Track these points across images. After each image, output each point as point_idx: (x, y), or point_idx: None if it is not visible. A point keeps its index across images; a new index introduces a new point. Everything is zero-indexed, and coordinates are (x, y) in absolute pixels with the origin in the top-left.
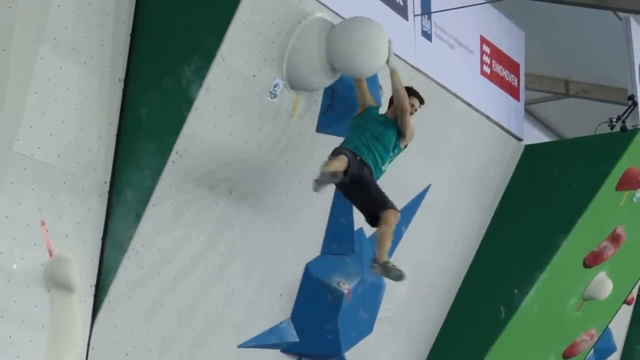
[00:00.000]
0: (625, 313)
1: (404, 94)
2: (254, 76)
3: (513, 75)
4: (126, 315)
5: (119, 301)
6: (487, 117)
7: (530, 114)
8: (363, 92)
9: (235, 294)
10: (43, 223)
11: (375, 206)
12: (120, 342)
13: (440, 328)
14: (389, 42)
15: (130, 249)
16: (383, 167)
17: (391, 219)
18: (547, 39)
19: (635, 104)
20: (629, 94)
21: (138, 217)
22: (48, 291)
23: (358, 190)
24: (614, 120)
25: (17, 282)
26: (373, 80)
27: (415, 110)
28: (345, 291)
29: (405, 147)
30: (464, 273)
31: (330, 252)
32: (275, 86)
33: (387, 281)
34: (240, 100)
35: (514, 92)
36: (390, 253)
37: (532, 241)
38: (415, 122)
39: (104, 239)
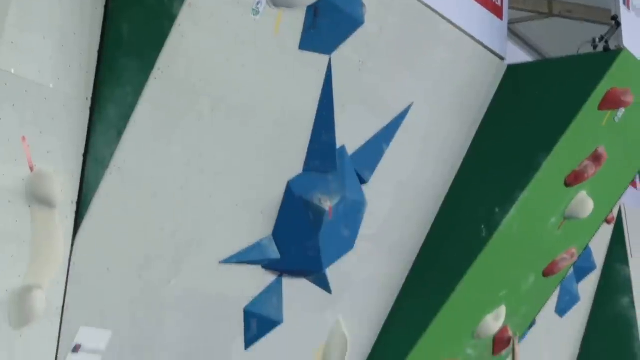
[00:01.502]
0: (605, 232)
1: None
2: None
3: None
4: (107, 231)
5: (100, 217)
6: (470, 36)
7: (514, 34)
8: None
9: (217, 210)
10: (24, 139)
11: None
12: (102, 257)
13: (422, 246)
14: None
15: (112, 165)
16: None
17: None
18: None
19: (618, 24)
20: (612, 14)
21: (119, 134)
22: (29, 207)
23: None
24: (597, 40)
25: None
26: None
27: None
28: (327, 208)
29: None
30: (445, 192)
31: (312, 169)
32: (258, 3)
33: (369, 198)
34: (223, 17)
35: (497, 10)
36: (372, 171)
37: (513, 160)
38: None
39: (85, 155)
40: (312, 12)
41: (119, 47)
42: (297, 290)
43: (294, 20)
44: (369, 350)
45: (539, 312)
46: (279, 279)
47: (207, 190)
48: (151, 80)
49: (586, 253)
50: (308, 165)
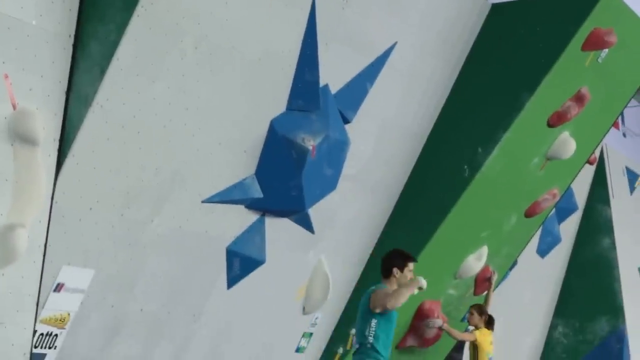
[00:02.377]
0: (587, 173)
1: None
2: None
3: None
4: (90, 170)
5: (82, 155)
6: None
7: None
8: None
9: (200, 149)
10: (6, 76)
11: None
12: (84, 196)
13: (404, 186)
14: None
15: (95, 103)
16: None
17: None
18: None
19: None
20: None
21: (102, 71)
22: (11, 145)
23: None
24: None
25: None
26: None
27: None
28: (310, 148)
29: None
30: (429, 131)
31: (296, 108)
32: None
33: (352, 138)
34: None
35: None
36: (355, 111)
37: (496, 100)
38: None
39: (68, 92)
40: None
41: None
42: (279, 230)
43: None
44: (351, 289)
45: (521, 252)
46: (262, 218)
47: (190, 128)
48: (134, 18)
49: (568, 194)
50: (291, 104)
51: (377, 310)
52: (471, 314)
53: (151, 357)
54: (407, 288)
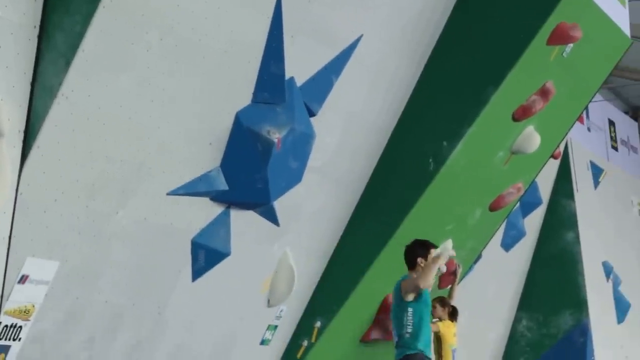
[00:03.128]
0: (552, 167)
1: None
2: None
3: None
4: (55, 161)
5: (47, 147)
6: None
7: None
8: None
9: (165, 141)
10: None
11: None
12: (49, 188)
13: (369, 179)
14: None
15: (60, 95)
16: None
17: None
18: None
19: None
20: None
21: (68, 63)
22: None
23: None
24: None
25: None
26: None
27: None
28: (275, 140)
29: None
30: (394, 125)
31: (261, 100)
32: None
33: (317, 130)
34: None
35: None
36: (321, 104)
37: (461, 94)
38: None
39: (33, 84)
40: None
41: None
42: (245, 222)
43: None
44: (316, 282)
45: (485, 246)
46: (227, 210)
47: (156, 120)
48: (100, 9)
49: (532, 188)
50: (257, 97)
51: (410, 298)
52: (434, 307)
53: (115, 349)
54: (433, 263)
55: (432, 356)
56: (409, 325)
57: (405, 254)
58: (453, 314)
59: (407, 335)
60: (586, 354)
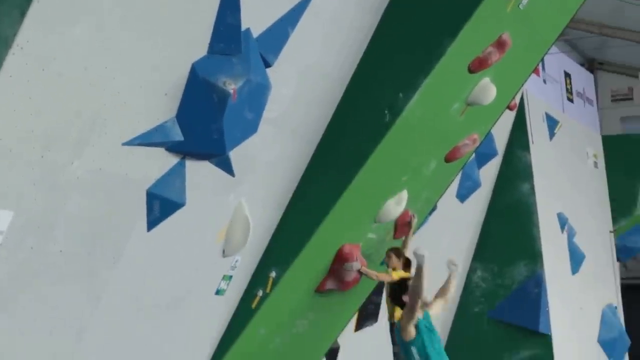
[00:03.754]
0: (507, 119)
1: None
2: None
3: None
4: (10, 112)
5: (2, 98)
6: None
7: None
8: None
9: (121, 92)
10: None
11: None
12: (4, 138)
13: (325, 130)
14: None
15: (15, 45)
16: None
17: None
18: None
19: None
20: None
21: (23, 13)
22: None
23: None
24: None
25: None
26: None
27: None
28: (231, 91)
29: None
30: (350, 76)
31: (217, 51)
32: None
33: (273, 82)
34: None
35: None
36: (277, 55)
37: (417, 46)
38: None
39: None
40: None
41: None
42: (200, 173)
43: None
44: (271, 233)
45: (440, 197)
46: (182, 161)
47: (111, 71)
48: None
49: (488, 139)
50: (213, 48)
51: (411, 336)
52: (389, 256)
53: (70, 299)
54: (417, 279)
55: (385, 303)
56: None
57: (392, 299)
58: (407, 265)
59: None
60: (540, 305)
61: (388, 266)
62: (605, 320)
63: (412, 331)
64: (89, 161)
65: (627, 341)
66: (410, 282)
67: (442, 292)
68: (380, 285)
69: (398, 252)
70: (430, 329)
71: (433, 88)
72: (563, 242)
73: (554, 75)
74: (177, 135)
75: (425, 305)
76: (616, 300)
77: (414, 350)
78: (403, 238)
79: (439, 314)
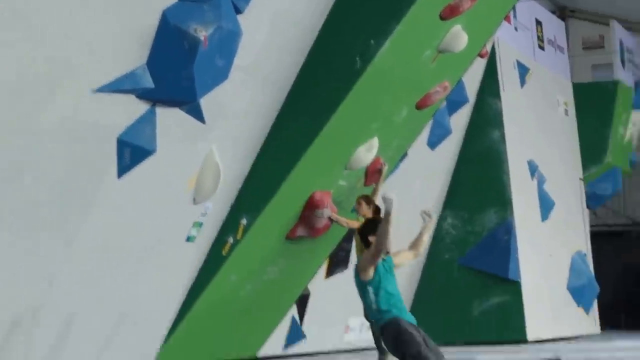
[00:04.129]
0: (478, 66)
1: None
2: None
3: None
4: None
5: None
6: None
7: None
8: None
9: (92, 38)
10: None
11: None
12: None
13: (296, 76)
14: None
15: None
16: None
17: None
18: None
19: None
20: None
21: None
22: None
23: None
24: None
25: None
26: None
27: None
28: (202, 38)
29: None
30: (321, 23)
31: None
32: None
33: (244, 28)
34: None
35: None
36: (248, 1)
37: None
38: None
39: None
40: None
41: None
42: (170, 120)
43: None
44: (242, 180)
45: (411, 144)
46: (153, 108)
47: (83, 18)
48: None
49: (459, 86)
50: None
51: (369, 276)
52: (359, 204)
53: (41, 246)
54: (386, 223)
55: (355, 250)
56: (374, 302)
57: (360, 236)
58: (377, 213)
59: (375, 309)
60: (510, 252)
61: (358, 213)
62: (575, 267)
63: (370, 273)
64: (60, 108)
65: (596, 288)
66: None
67: (415, 244)
68: (350, 233)
69: (368, 199)
70: (388, 271)
71: (404, 35)
72: (533, 190)
73: (525, 23)
74: (148, 82)
75: (387, 252)
76: (585, 247)
77: (370, 289)
78: (373, 185)
79: (405, 264)
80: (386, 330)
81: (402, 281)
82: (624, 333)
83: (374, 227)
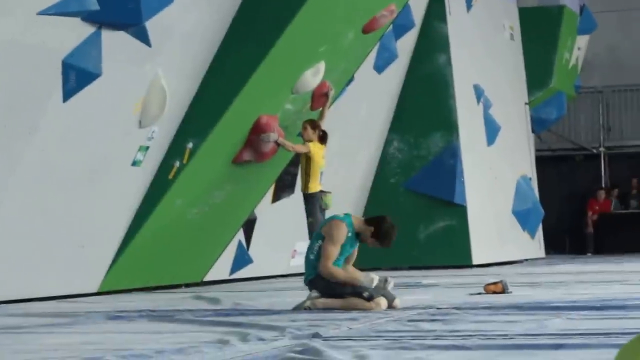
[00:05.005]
0: None
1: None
2: None
3: None
4: None
5: None
6: None
7: None
8: None
9: None
10: None
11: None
12: None
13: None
14: None
15: None
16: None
17: (365, 306)
18: None
19: None
20: None
21: None
22: None
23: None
24: None
25: None
26: None
27: None
28: None
29: None
30: None
31: None
32: None
33: None
34: None
35: None
36: None
37: None
38: None
39: None
40: None
41: None
42: (116, 43)
43: None
44: (189, 103)
45: (358, 68)
46: (98, 31)
47: None
48: None
49: (405, 10)
50: None
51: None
52: (304, 128)
53: None
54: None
55: (300, 175)
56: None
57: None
58: (323, 138)
59: (313, 258)
60: (456, 176)
61: (303, 138)
62: (519, 192)
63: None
64: (4, 30)
65: (541, 212)
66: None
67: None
68: (296, 157)
69: (314, 124)
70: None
71: None
72: (479, 114)
73: None
74: (93, 4)
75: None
76: (530, 171)
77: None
78: (320, 109)
79: None
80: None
81: (348, 206)
82: (568, 257)
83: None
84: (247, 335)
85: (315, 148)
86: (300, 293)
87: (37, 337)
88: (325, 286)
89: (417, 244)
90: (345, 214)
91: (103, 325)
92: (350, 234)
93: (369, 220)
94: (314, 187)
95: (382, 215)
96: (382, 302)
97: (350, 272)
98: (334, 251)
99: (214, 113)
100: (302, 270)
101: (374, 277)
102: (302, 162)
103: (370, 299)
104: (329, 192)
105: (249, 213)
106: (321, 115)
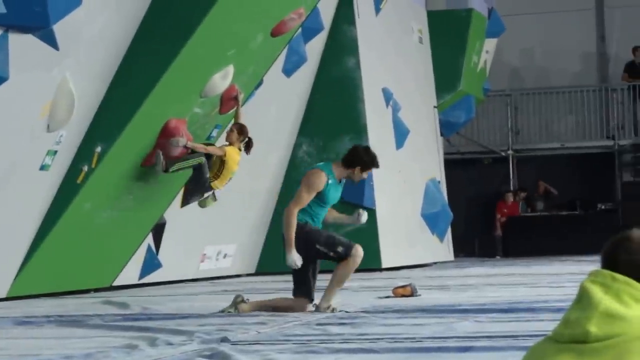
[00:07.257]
0: None
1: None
2: None
3: None
4: None
5: None
6: None
7: None
8: None
9: None
10: None
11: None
12: None
13: (151, 2)
14: None
15: None
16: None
17: (350, 265)
18: None
19: None
20: None
21: None
22: None
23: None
24: None
25: None
26: None
27: None
28: None
29: None
30: None
31: None
32: None
33: None
34: None
35: None
36: None
37: None
38: None
39: None
40: None
41: None
42: (23, 47)
43: None
44: (97, 106)
45: (267, 71)
46: (5, 34)
47: None
48: None
49: (314, 14)
50: None
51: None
52: (231, 131)
53: None
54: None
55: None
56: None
57: (350, 152)
58: (248, 146)
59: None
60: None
61: (228, 140)
62: (428, 195)
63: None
64: None
65: (450, 215)
66: None
67: None
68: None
69: (242, 130)
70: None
71: None
72: (388, 117)
73: None
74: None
75: None
76: (439, 175)
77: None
78: (234, 110)
79: None
80: None
81: (257, 209)
82: (477, 260)
83: (365, 166)
84: (156, 339)
85: (232, 152)
86: (209, 297)
87: None
88: (305, 239)
89: None
90: (325, 162)
91: (11, 330)
92: (330, 181)
93: (344, 161)
94: (217, 186)
95: (350, 149)
96: (307, 304)
97: (333, 214)
98: (305, 197)
99: (123, 117)
100: (212, 274)
101: (362, 212)
102: (215, 164)
103: (345, 255)
104: (214, 200)
105: (158, 217)
106: (237, 117)
